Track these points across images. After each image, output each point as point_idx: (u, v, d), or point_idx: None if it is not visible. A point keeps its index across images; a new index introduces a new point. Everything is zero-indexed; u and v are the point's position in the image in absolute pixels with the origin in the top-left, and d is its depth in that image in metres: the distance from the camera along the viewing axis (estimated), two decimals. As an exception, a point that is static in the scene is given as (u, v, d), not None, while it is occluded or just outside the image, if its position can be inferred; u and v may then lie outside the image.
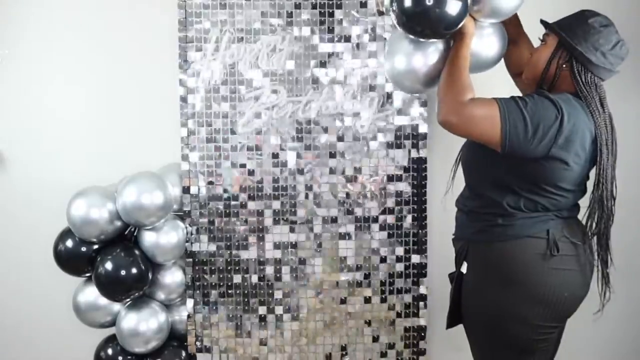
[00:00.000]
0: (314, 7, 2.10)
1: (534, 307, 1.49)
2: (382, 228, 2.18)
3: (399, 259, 2.18)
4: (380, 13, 2.10)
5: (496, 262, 1.53)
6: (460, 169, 1.69)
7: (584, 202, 1.55)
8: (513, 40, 1.68)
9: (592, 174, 1.52)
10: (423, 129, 2.15)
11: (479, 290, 1.57)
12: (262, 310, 2.20)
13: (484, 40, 1.53)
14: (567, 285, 1.50)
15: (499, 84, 1.72)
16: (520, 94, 1.68)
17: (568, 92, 1.49)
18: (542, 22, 1.57)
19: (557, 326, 1.57)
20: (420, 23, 1.41)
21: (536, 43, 1.62)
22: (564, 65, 1.50)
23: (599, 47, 1.46)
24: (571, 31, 1.48)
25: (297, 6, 2.10)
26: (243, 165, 2.15)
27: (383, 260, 2.19)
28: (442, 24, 1.40)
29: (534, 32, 1.64)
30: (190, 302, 2.19)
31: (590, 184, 1.53)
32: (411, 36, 1.48)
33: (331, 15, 2.11)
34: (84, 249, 2.04)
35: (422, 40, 1.49)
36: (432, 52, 1.50)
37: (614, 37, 1.47)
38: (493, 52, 1.56)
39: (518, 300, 1.50)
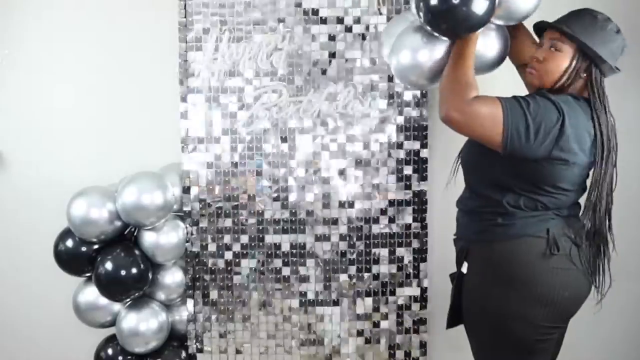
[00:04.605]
0: (314, 6, 2.10)
1: (535, 307, 1.49)
2: (382, 228, 2.17)
3: (399, 259, 2.18)
4: (382, 13, 2.10)
5: (497, 261, 1.53)
6: (460, 169, 1.68)
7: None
8: (512, 32, 1.68)
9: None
10: (424, 129, 2.15)
11: (479, 290, 1.56)
12: (262, 310, 2.20)
13: (486, 42, 1.51)
14: (568, 285, 1.49)
15: (501, 82, 1.71)
16: (523, 84, 1.67)
17: (571, 94, 1.48)
18: (552, 26, 1.50)
19: (559, 327, 1.56)
20: (446, 21, 1.39)
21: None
22: (584, 74, 1.47)
23: (616, 54, 1.46)
24: (590, 39, 1.44)
25: (298, 5, 2.10)
26: (243, 166, 2.15)
27: (383, 260, 2.18)
28: (468, 23, 1.38)
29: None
30: (190, 302, 2.18)
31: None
32: (421, 32, 1.47)
33: (332, 14, 2.10)
34: (84, 249, 2.04)
35: (432, 35, 1.47)
36: (439, 47, 1.48)
37: (622, 43, 1.47)
38: (495, 53, 1.55)
39: (519, 299, 1.49)
